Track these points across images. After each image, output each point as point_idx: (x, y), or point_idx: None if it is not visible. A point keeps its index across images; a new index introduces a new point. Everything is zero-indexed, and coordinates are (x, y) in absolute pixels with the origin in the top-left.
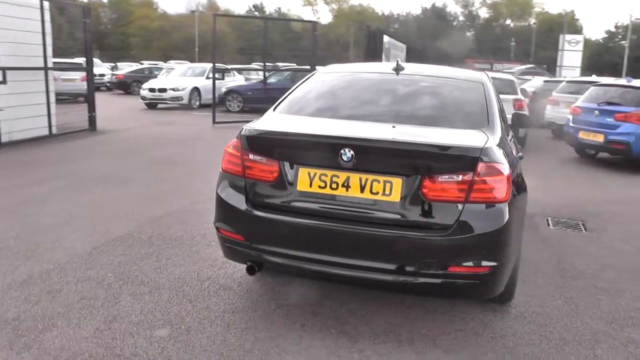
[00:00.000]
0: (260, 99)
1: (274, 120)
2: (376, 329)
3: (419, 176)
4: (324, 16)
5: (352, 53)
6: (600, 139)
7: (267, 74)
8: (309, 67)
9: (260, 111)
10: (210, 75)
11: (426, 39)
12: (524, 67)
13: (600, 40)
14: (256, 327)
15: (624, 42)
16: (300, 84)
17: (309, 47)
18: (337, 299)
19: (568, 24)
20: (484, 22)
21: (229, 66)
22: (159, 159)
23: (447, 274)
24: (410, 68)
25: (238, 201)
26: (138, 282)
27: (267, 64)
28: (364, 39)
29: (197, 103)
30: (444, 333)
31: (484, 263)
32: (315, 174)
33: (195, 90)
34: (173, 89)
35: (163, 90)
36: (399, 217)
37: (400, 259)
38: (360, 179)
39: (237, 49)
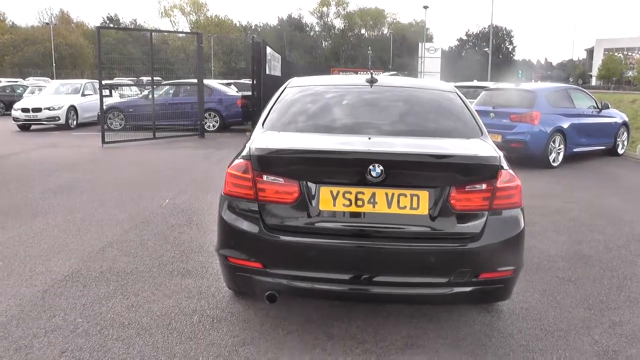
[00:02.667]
0: (143, 116)
1: (281, 139)
2: (397, 343)
3: (446, 187)
4: (182, 27)
5: (213, 65)
6: (498, 139)
7: (148, 89)
8: (195, 80)
9: (144, 129)
10: (87, 92)
11: (285, 49)
12: (387, 73)
13: (453, 48)
14: (277, 359)
15: (483, 48)
16: (277, 99)
17: (168, 60)
18: (339, 317)
19: (419, 33)
20: (339, 32)
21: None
22: (61, 186)
23: (479, 281)
24: (381, 79)
25: (252, 226)
26: (118, 325)
27: (128, 79)
28: (248, 50)
29: (75, 123)
30: (460, 339)
31: (509, 267)
32: (338, 192)
33: (72, 108)
34: (48, 109)
35: (38, 110)
36: (428, 229)
37: (436, 271)
38: (387, 194)
39: (96, 63)
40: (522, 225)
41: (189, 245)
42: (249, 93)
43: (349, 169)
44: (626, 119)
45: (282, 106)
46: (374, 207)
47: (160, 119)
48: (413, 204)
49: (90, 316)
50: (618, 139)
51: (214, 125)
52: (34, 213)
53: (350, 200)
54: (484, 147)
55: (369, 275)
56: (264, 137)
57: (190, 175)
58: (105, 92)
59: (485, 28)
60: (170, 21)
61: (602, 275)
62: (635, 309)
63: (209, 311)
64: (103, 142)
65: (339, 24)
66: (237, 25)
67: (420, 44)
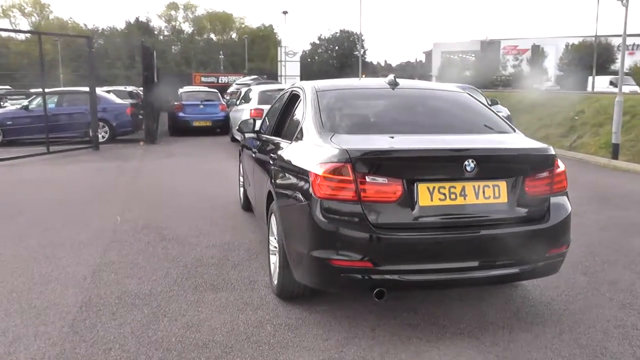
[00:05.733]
0: (25, 130)
1: (369, 141)
2: (473, 323)
3: (521, 177)
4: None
5: (61, 72)
6: None
7: (32, 99)
8: (87, 88)
9: (26, 143)
10: None
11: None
12: (248, 78)
13: (306, 52)
14: (388, 352)
15: (336, 52)
16: (317, 104)
17: (25, 66)
18: (405, 308)
19: (267, 37)
20: (188, 36)
21: None
22: None
23: (548, 256)
24: (401, 82)
25: (359, 226)
26: (193, 346)
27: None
28: (137, 54)
29: None
30: (515, 313)
31: (566, 243)
32: (434, 187)
33: None
34: None
35: None
36: (510, 215)
37: (522, 251)
38: (474, 186)
39: None
40: (570, 206)
41: (185, 260)
42: (133, 101)
43: (445, 165)
44: (509, 113)
45: (330, 111)
46: (465, 199)
47: (45, 132)
48: (495, 193)
49: (152, 343)
50: None
51: (103, 137)
52: None
53: (444, 194)
54: (533, 141)
55: (471, 261)
56: (350, 140)
57: (118, 190)
58: None
59: (337, 32)
60: (10, 22)
61: (571, 246)
62: (617, 269)
63: (275, 320)
64: None
65: (187, 28)
66: (84, 28)
67: (279, 48)
